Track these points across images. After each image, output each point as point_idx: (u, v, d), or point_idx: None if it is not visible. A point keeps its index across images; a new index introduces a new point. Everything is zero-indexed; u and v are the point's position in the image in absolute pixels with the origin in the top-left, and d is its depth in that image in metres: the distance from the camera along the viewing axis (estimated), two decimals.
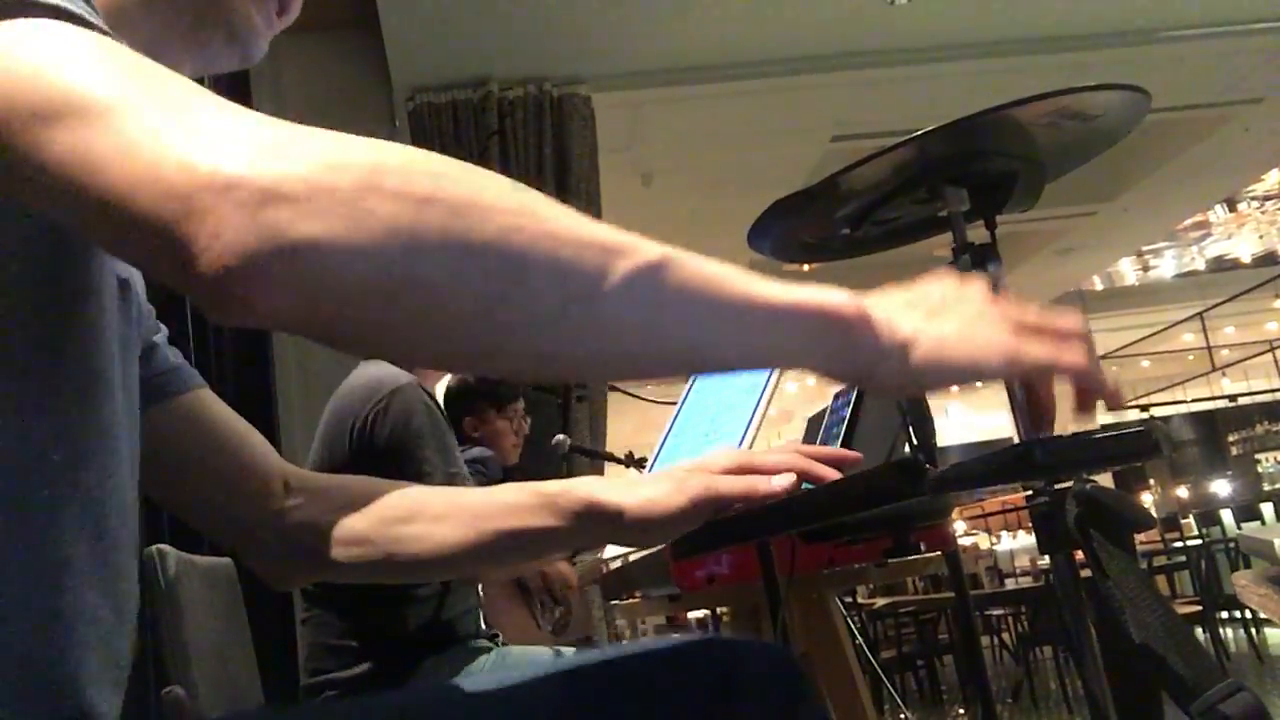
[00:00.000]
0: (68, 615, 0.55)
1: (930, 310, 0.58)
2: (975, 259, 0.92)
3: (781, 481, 0.78)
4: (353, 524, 0.80)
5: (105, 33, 0.49)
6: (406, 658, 1.71)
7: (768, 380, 1.28)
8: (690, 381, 1.62)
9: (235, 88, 3.18)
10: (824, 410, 1.45)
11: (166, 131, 0.43)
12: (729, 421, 1.43)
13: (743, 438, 1.53)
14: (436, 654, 1.72)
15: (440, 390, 2.41)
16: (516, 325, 0.46)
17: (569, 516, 0.79)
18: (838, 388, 1.37)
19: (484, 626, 1.88)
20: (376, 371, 1.84)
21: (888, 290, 0.59)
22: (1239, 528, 7.96)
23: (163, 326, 0.82)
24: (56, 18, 0.48)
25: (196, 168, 0.41)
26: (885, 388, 0.57)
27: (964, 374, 0.56)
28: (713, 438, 1.60)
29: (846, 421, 1.30)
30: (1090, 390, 0.60)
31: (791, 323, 0.53)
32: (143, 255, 0.46)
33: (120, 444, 0.61)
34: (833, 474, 0.83)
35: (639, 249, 0.48)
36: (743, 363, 0.54)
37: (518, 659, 1.76)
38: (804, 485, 0.83)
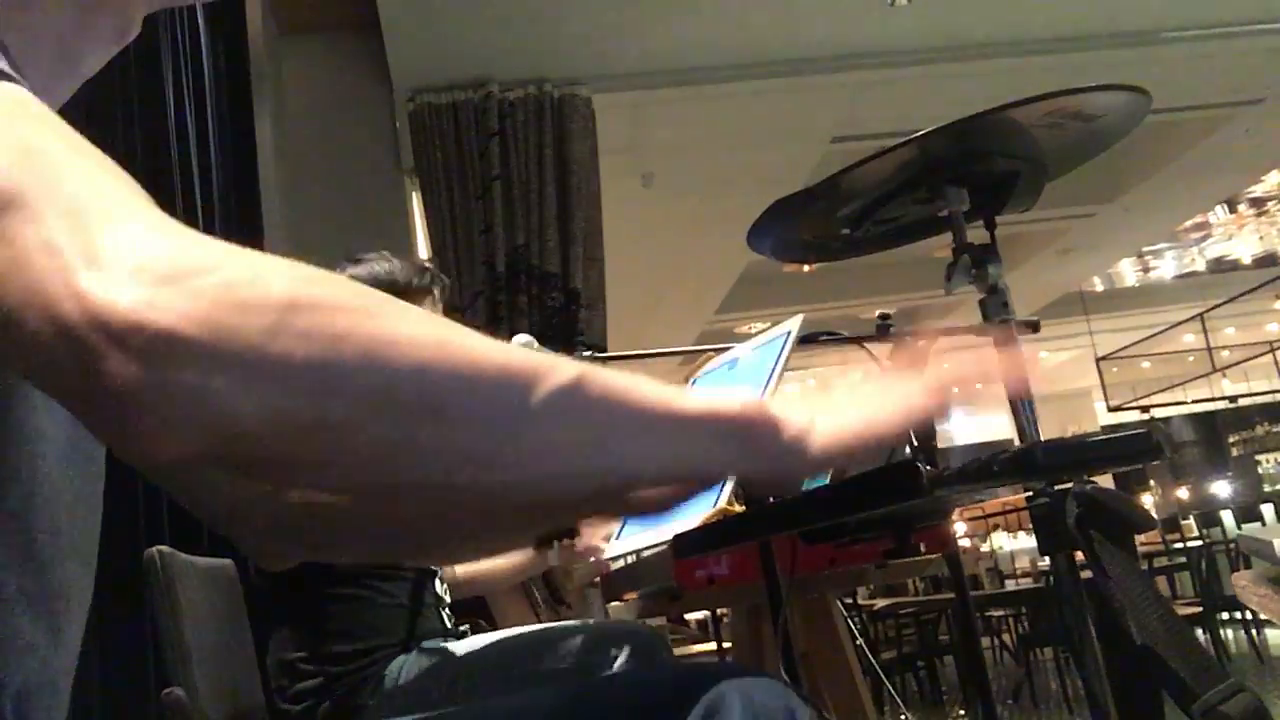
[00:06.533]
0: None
1: (828, 401, 0.61)
2: (975, 259, 0.92)
3: None
4: (344, 506, 0.78)
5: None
6: (372, 665, 1.69)
7: (781, 351, 1.26)
8: (691, 382, 1.62)
9: (236, 91, 3.18)
10: None
11: (61, 248, 0.39)
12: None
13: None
14: (404, 654, 1.70)
15: None
16: (436, 459, 0.45)
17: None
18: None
19: (450, 625, 1.85)
20: None
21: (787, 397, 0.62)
22: (1239, 528, 7.97)
23: None
24: None
25: (88, 303, 0.38)
26: (793, 480, 0.59)
27: (863, 443, 0.58)
28: None
29: None
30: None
31: (704, 431, 0.54)
32: (36, 381, 0.43)
33: (43, 456, 0.58)
34: None
35: (554, 371, 0.47)
36: (660, 474, 0.55)
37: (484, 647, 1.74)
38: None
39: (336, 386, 0.41)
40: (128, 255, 0.39)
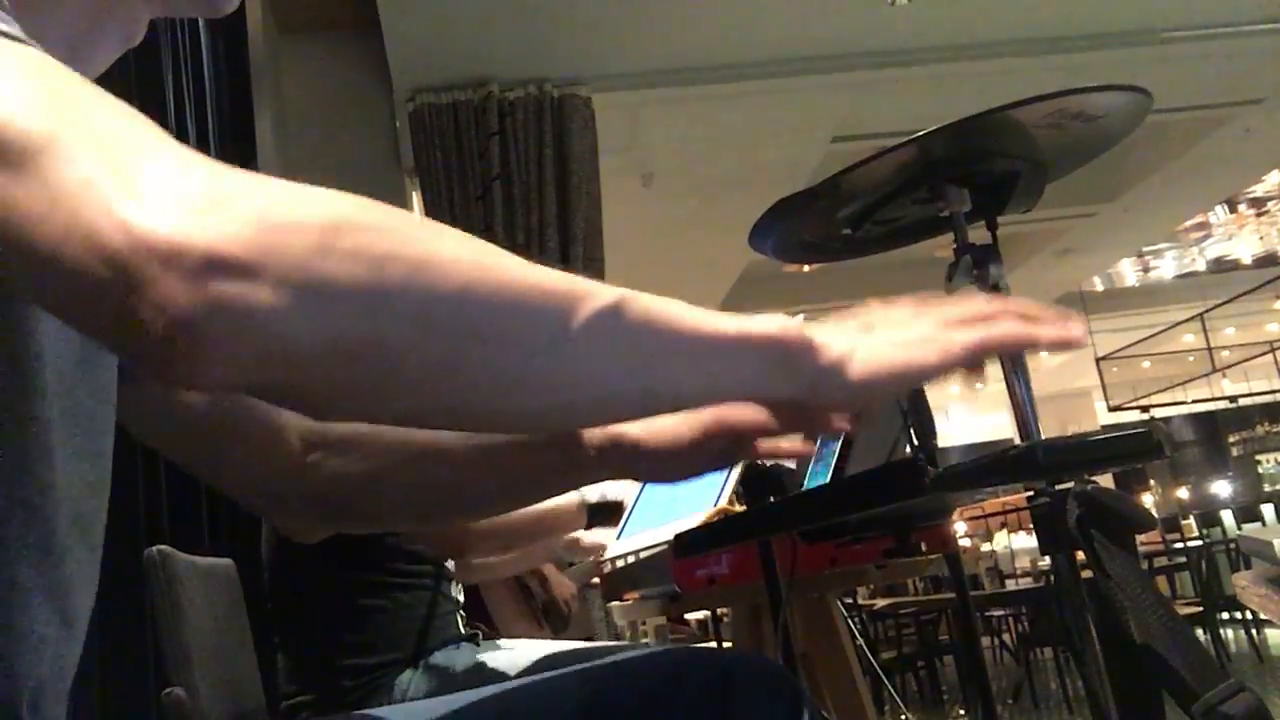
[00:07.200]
0: (14, 634, 0.54)
1: (864, 327, 0.60)
2: (976, 259, 0.92)
3: None
4: (376, 473, 0.78)
5: (20, 40, 0.45)
6: (385, 672, 1.69)
7: None
8: None
9: (236, 91, 3.18)
10: None
11: (100, 181, 0.39)
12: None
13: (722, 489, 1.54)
14: (413, 667, 1.70)
15: None
16: (481, 382, 0.45)
17: (590, 454, 0.78)
18: None
19: (463, 628, 1.85)
20: None
21: (826, 319, 0.62)
22: (1239, 528, 7.98)
23: None
24: None
25: (134, 230, 0.38)
26: (831, 404, 0.59)
27: (902, 377, 0.58)
28: (682, 499, 1.60)
29: None
30: (1040, 344, 0.62)
31: (742, 351, 0.54)
32: (78, 318, 0.43)
33: (56, 445, 0.58)
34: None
35: (596, 293, 0.48)
36: (698, 396, 0.55)
37: (498, 658, 1.74)
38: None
39: (384, 307, 0.41)
40: (166, 186, 0.40)
